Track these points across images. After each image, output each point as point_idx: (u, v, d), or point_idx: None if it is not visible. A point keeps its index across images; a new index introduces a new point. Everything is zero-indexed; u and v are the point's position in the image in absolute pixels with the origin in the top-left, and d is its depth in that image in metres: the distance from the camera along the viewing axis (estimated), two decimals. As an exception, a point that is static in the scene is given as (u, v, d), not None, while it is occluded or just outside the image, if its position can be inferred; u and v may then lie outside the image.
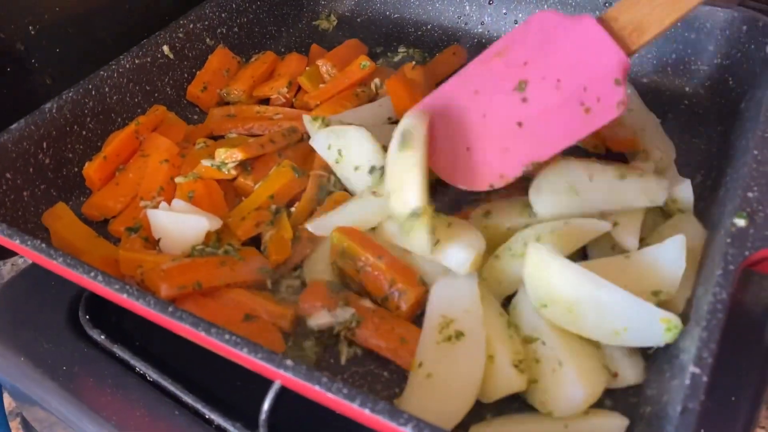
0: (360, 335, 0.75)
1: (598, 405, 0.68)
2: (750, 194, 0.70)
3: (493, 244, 0.79)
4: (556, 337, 0.69)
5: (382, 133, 0.89)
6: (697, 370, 0.55)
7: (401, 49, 1.22)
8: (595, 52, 0.76)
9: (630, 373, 0.69)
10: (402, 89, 1.00)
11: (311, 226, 0.85)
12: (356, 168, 0.89)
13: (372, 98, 1.09)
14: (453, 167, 0.82)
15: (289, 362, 0.57)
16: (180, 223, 0.84)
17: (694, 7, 0.74)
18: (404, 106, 0.93)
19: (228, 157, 0.90)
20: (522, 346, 0.71)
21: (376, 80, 1.10)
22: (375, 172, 0.87)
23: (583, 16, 0.77)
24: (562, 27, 0.78)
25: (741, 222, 0.67)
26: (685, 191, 0.84)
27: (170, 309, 0.63)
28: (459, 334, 0.70)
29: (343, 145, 0.89)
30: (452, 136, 0.82)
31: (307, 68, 1.14)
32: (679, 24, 1.04)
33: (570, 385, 0.66)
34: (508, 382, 0.68)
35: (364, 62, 1.08)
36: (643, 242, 0.79)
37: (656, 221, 0.83)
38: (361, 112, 1.02)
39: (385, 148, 0.84)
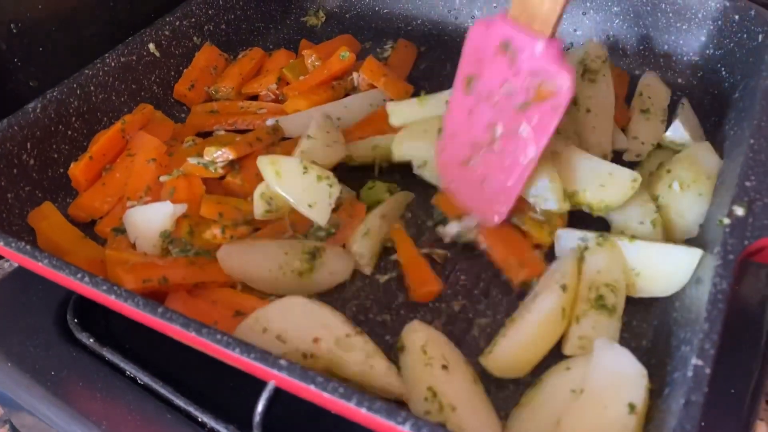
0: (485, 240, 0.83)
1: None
2: (748, 183, 0.69)
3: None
4: None
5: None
6: (699, 362, 0.55)
7: (391, 44, 1.21)
8: (524, 47, 0.73)
9: None
10: (377, 69, 1.07)
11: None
12: None
13: (349, 92, 1.09)
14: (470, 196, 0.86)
15: (282, 362, 0.55)
16: (146, 212, 0.84)
17: None
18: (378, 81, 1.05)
19: (220, 156, 0.89)
20: None
21: (354, 74, 1.09)
22: None
23: (495, 18, 0.74)
24: (490, 35, 0.76)
25: (740, 211, 0.66)
26: (675, 132, 0.91)
27: (160, 310, 0.61)
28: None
29: None
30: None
31: (291, 60, 1.14)
32: (670, 15, 1.05)
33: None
34: None
35: (344, 53, 1.07)
36: (662, 170, 0.86)
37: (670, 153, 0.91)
38: (342, 103, 1.03)
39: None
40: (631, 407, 0.62)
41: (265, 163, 0.86)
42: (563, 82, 0.70)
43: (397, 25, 1.26)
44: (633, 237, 0.78)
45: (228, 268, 0.79)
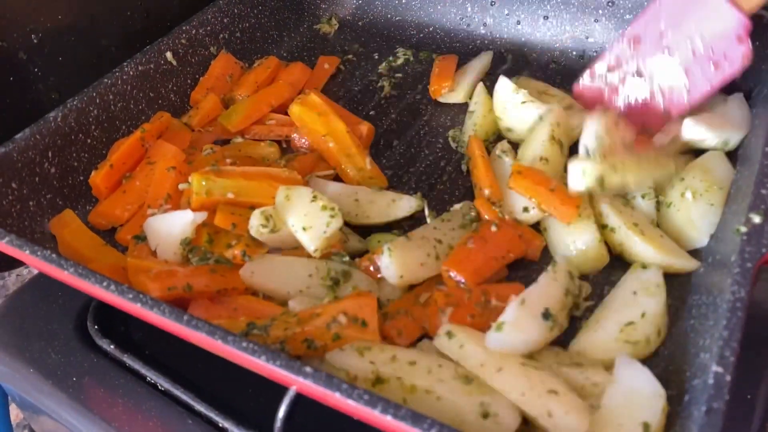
0: None
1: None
2: (764, 191, 0.69)
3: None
4: None
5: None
6: (720, 369, 0.55)
7: (403, 52, 1.22)
8: (717, 16, 0.89)
9: None
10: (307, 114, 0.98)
11: None
12: None
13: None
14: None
15: (308, 369, 0.56)
16: (167, 220, 0.85)
17: None
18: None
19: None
20: None
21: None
22: None
23: None
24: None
25: (756, 218, 0.67)
26: (688, 131, 0.89)
27: (186, 318, 0.62)
28: None
29: None
30: None
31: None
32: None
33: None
34: None
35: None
36: (675, 178, 0.87)
37: (688, 159, 0.89)
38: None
39: None
40: (646, 427, 0.61)
41: (282, 189, 0.85)
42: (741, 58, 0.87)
43: (410, 32, 1.27)
44: (642, 232, 0.80)
45: (250, 284, 0.79)
